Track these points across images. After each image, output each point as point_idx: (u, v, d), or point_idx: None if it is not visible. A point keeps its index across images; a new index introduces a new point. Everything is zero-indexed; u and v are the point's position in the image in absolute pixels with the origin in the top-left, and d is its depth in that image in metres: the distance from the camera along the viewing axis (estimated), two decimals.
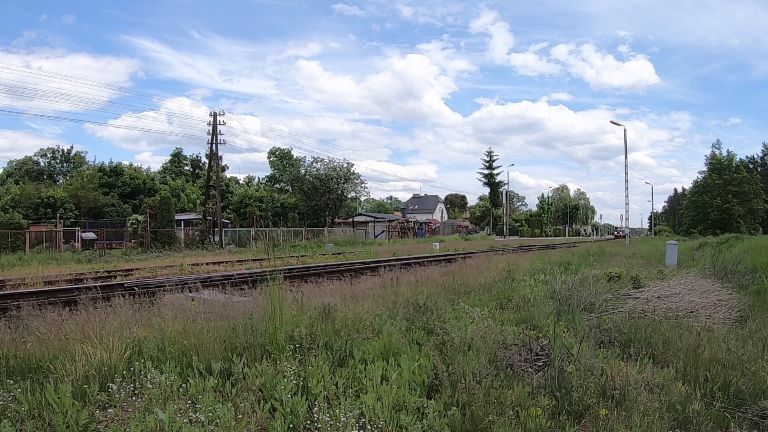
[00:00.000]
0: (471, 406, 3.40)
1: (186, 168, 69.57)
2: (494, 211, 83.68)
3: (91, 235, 31.88)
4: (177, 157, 69.09)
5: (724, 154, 60.57)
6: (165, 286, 9.34)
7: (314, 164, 58.19)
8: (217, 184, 35.68)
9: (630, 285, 9.04)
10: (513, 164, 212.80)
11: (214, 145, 34.76)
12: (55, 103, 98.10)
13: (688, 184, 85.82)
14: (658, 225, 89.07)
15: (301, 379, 3.79)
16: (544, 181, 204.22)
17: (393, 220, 60.15)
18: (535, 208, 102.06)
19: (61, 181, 59.07)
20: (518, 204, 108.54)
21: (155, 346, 4.42)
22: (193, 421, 3.11)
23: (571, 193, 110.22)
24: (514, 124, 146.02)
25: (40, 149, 63.12)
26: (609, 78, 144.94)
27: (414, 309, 6.06)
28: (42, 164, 61.50)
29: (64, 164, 61.97)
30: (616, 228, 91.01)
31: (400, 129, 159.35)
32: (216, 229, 34.18)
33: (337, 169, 56.81)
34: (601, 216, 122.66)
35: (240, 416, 3.28)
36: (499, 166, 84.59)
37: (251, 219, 44.26)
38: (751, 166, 65.51)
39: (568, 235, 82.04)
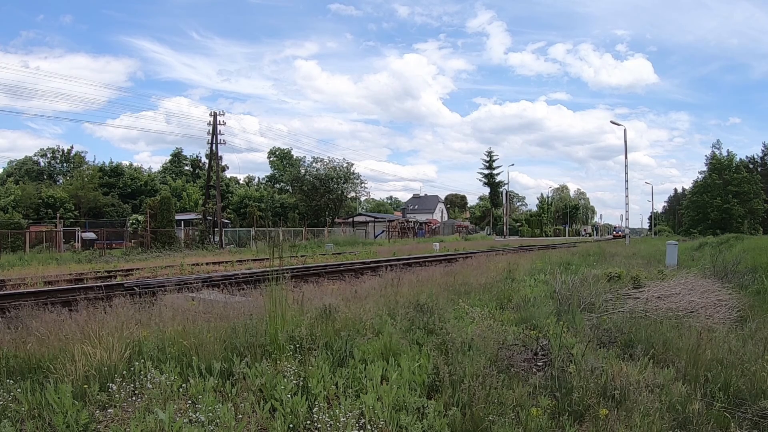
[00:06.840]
0: (471, 406, 3.39)
1: (186, 168, 69.61)
2: (494, 211, 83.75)
3: (91, 235, 31.88)
4: (177, 157, 69.14)
5: (724, 154, 60.64)
6: (165, 286, 9.34)
7: (314, 164, 58.15)
8: (217, 184, 35.67)
9: (630, 285, 9.03)
10: (513, 164, 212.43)
11: (214, 145, 34.75)
12: (54, 103, 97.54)
13: (688, 184, 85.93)
14: (658, 225, 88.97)
15: (301, 379, 3.79)
16: (544, 181, 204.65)
17: (393, 220, 60.14)
18: (535, 208, 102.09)
19: (61, 181, 59.05)
20: (518, 204, 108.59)
21: (155, 346, 4.42)
22: (193, 421, 3.11)
23: (571, 193, 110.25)
24: (513, 124, 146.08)
25: (40, 149, 63.24)
26: (607, 77, 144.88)
27: (414, 309, 6.06)
28: (42, 164, 61.48)
29: (64, 164, 61.97)
30: (615, 228, 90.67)
31: (399, 129, 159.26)
32: (216, 229, 34.18)
33: (337, 169, 56.74)
34: (601, 216, 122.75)
35: (240, 416, 3.28)
36: (499, 166, 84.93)
37: (251, 219, 44.25)
38: (751, 166, 65.49)
39: (568, 235, 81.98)
